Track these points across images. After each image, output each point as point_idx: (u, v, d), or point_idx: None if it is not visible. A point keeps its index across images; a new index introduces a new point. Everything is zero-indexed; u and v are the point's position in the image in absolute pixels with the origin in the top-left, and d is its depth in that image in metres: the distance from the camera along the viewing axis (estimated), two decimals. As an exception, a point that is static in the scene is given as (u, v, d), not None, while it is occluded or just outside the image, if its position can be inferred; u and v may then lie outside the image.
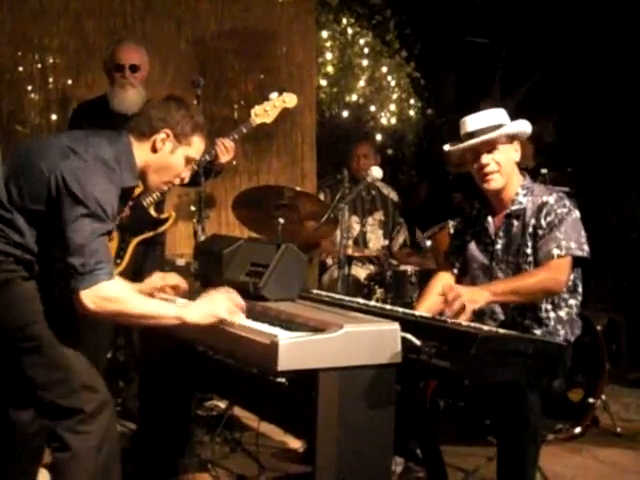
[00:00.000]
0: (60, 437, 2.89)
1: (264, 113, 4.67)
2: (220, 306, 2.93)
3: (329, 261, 6.03)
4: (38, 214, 2.89)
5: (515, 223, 3.60)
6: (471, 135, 3.58)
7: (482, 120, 3.59)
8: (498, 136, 3.54)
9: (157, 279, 3.43)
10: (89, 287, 2.78)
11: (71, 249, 2.79)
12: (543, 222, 3.50)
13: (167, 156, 3.07)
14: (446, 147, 3.74)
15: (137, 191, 3.42)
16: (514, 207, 3.60)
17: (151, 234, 4.66)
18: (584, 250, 3.49)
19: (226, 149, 4.54)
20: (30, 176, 2.90)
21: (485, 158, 3.56)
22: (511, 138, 3.60)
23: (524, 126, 3.64)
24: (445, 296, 3.25)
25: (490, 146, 3.56)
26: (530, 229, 3.54)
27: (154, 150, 3.06)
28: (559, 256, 3.43)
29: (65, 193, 2.83)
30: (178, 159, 3.10)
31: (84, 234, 2.79)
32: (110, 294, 2.81)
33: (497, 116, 3.62)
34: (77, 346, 2.99)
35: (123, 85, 4.74)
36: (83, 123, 4.63)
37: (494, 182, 3.59)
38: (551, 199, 3.53)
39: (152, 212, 4.62)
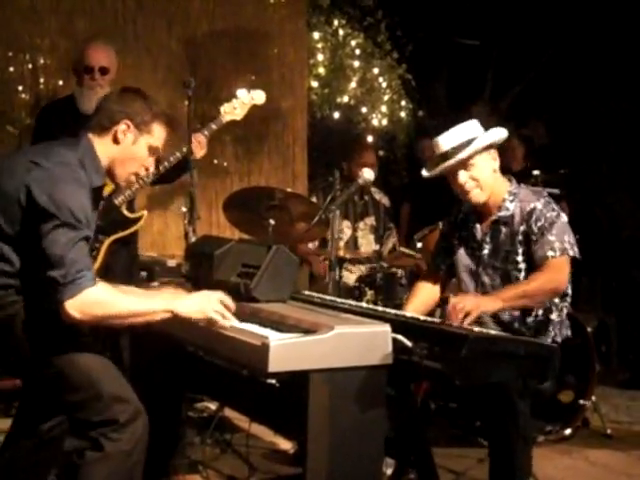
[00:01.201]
0: (94, 438, 2.87)
1: (233, 110, 4.67)
2: (210, 305, 2.93)
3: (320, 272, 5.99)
4: (19, 238, 2.88)
5: (503, 229, 3.61)
6: (444, 156, 3.61)
7: (453, 138, 3.60)
8: (469, 155, 3.55)
9: None
10: (73, 297, 2.75)
11: (50, 262, 2.76)
12: (534, 227, 3.51)
13: (130, 147, 3.09)
14: (424, 173, 3.74)
15: (107, 189, 3.40)
16: (501, 213, 3.61)
17: (124, 233, 4.63)
18: (575, 251, 3.53)
19: (199, 143, 4.55)
20: (3, 200, 2.88)
21: (462, 176, 3.58)
22: (486, 148, 3.60)
23: (496, 135, 3.64)
24: (453, 306, 3.26)
25: (464, 164, 3.57)
26: (520, 236, 3.56)
27: (116, 142, 3.07)
28: (554, 257, 3.46)
29: (35, 207, 2.81)
30: (141, 149, 3.11)
31: (60, 245, 2.77)
32: (96, 299, 2.79)
33: (468, 131, 3.62)
34: (98, 359, 2.99)
35: (92, 87, 4.71)
36: (50, 123, 4.63)
37: (475, 197, 3.62)
38: (539, 204, 3.55)
39: (124, 211, 4.59)
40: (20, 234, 2.87)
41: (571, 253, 3.50)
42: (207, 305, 2.93)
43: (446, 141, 3.61)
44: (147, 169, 3.19)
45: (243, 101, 4.70)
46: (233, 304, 3.00)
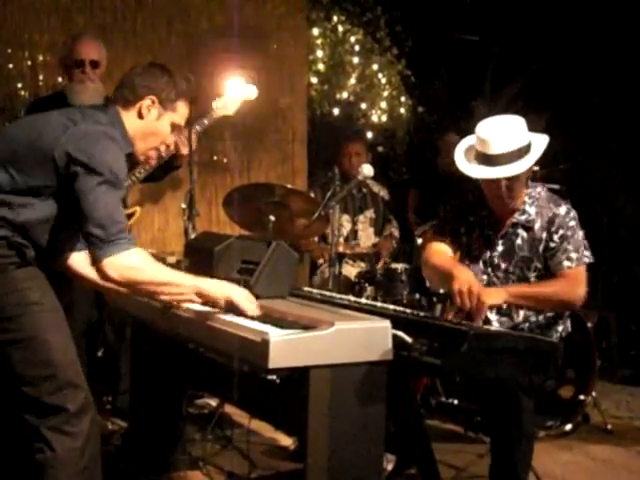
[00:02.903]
0: (44, 437, 2.86)
1: (225, 106, 4.67)
2: (238, 291, 2.96)
3: (320, 260, 6.02)
4: (39, 190, 2.88)
5: (521, 234, 3.56)
6: (490, 159, 3.39)
7: (505, 142, 3.37)
8: (523, 172, 3.40)
9: None
10: (113, 256, 2.79)
11: (91, 219, 2.79)
12: (555, 236, 3.49)
13: (153, 122, 3.11)
14: (469, 173, 3.46)
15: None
16: (522, 217, 3.55)
17: None
18: (590, 257, 3.51)
19: (182, 141, 4.53)
20: (30, 159, 2.89)
21: (503, 186, 3.43)
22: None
23: (544, 144, 3.48)
24: (462, 294, 3.23)
25: (512, 177, 3.41)
26: (542, 244, 3.51)
27: (140, 117, 3.09)
28: (569, 268, 3.45)
29: (76, 166, 2.82)
30: (164, 125, 3.14)
31: (102, 204, 2.81)
32: (133, 263, 2.83)
33: (519, 136, 3.40)
34: (67, 341, 2.98)
35: (82, 80, 4.69)
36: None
37: (505, 205, 3.52)
38: (561, 211, 3.51)
39: None
40: (47, 190, 2.89)
41: (586, 261, 3.49)
42: (233, 291, 2.95)
43: (498, 142, 3.37)
44: (167, 146, 3.24)
45: (234, 96, 4.69)
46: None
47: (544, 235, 3.51)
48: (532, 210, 3.55)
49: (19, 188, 2.89)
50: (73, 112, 3.01)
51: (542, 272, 3.53)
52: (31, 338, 2.89)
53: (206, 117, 4.66)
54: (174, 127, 3.17)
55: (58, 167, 2.86)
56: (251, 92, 4.72)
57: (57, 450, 2.86)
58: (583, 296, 3.48)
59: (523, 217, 3.55)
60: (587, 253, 3.50)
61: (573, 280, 3.45)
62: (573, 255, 3.46)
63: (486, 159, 3.40)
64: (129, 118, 3.08)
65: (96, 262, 2.82)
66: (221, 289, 2.95)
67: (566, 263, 3.45)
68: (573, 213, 3.53)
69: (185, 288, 2.92)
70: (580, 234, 3.51)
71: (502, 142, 3.37)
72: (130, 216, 4.68)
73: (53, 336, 2.93)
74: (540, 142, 3.48)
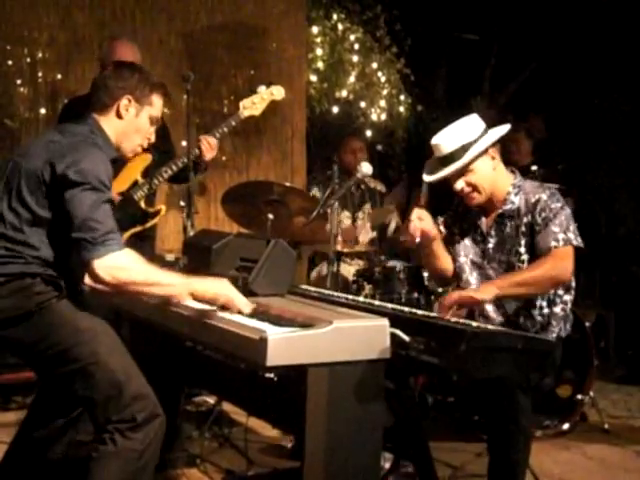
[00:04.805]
0: (109, 432, 2.88)
1: (252, 106, 4.69)
2: (230, 288, 2.97)
3: (317, 258, 6.03)
4: (47, 219, 2.94)
5: (508, 223, 3.60)
6: (442, 161, 3.58)
7: (451, 141, 3.54)
8: (464, 164, 3.52)
9: None
10: (102, 257, 2.81)
11: (77, 224, 2.82)
12: (538, 218, 3.50)
13: (134, 120, 3.18)
14: (425, 177, 3.71)
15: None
16: (507, 207, 3.60)
17: (143, 227, 4.66)
18: (579, 241, 3.50)
19: (210, 146, 4.57)
20: (28, 184, 2.95)
21: (458, 184, 3.58)
22: (483, 152, 3.56)
23: (493, 136, 3.59)
24: (450, 302, 3.29)
25: (461, 172, 3.55)
26: (523, 227, 3.54)
27: (119, 117, 3.15)
28: (556, 248, 3.45)
29: (57, 177, 2.87)
30: (143, 121, 3.21)
31: (86, 206, 2.83)
32: (123, 263, 2.84)
33: (465, 132, 3.55)
34: (124, 356, 3.00)
35: None
36: (74, 118, 4.64)
37: (474, 201, 3.61)
38: (544, 195, 3.53)
39: (143, 205, 4.62)
40: (48, 213, 2.93)
41: (575, 243, 3.48)
42: (226, 288, 2.96)
43: (444, 144, 3.55)
44: (149, 139, 3.28)
45: (262, 96, 4.71)
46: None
47: (526, 219, 3.54)
48: (516, 199, 3.59)
49: (29, 222, 2.94)
50: (52, 132, 3.11)
51: (525, 256, 3.54)
52: (91, 364, 2.90)
53: (232, 117, 4.68)
54: (152, 120, 3.24)
55: (48, 188, 2.91)
56: (278, 92, 4.75)
57: (119, 446, 2.87)
58: (571, 272, 3.48)
59: (508, 207, 3.60)
60: (572, 236, 3.48)
61: (560, 258, 3.44)
62: (560, 236, 3.45)
63: (440, 163, 3.60)
64: (109, 121, 3.15)
65: (86, 264, 2.83)
66: (213, 288, 2.96)
67: (553, 243, 3.45)
68: (558, 197, 3.55)
69: (176, 288, 2.93)
70: (565, 216, 3.50)
71: (447, 142, 3.55)
72: (155, 214, 4.70)
73: (111, 357, 2.94)
74: (491, 135, 3.57)
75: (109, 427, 2.88)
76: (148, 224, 4.69)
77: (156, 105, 3.23)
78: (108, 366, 2.91)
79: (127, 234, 4.57)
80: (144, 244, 4.75)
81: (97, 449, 2.89)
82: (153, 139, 3.31)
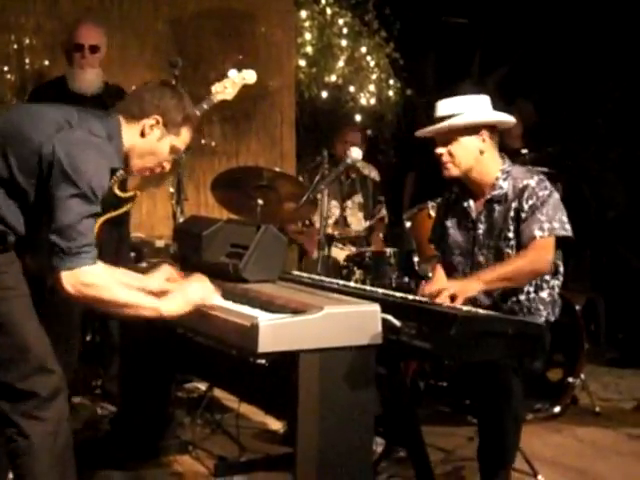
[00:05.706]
0: (15, 424, 2.84)
1: (224, 90, 4.63)
2: (196, 294, 2.94)
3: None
4: (22, 187, 2.83)
5: (497, 208, 3.60)
6: (436, 122, 3.63)
7: (450, 106, 3.61)
8: (440, 129, 3.58)
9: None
10: (71, 269, 2.75)
11: (57, 227, 2.75)
12: (525, 205, 3.50)
13: (154, 142, 3.04)
14: (416, 133, 3.77)
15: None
16: (495, 192, 3.60)
17: (116, 213, 4.61)
18: (567, 230, 3.51)
19: None
20: (19, 147, 2.83)
21: (440, 149, 3.62)
22: (473, 129, 3.58)
23: (491, 116, 3.64)
24: (439, 290, 3.27)
25: (445, 137, 3.60)
26: (512, 213, 3.54)
27: (142, 135, 3.02)
28: (542, 237, 3.45)
29: (57, 169, 2.78)
30: (164, 147, 3.06)
31: (72, 215, 2.76)
32: (90, 280, 2.77)
33: (466, 104, 3.61)
34: (39, 326, 2.95)
35: (82, 66, 4.71)
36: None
37: (447, 171, 3.64)
38: (532, 182, 3.53)
39: (116, 191, 4.57)
40: (30, 186, 2.84)
41: (561, 233, 3.48)
42: (191, 296, 2.93)
43: (442, 106, 3.63)
44: (163, 168, 3.16)
45: (234, 80, 4.66)
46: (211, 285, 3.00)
47: (514, 205, 3.54)
48: (505, 184, 3.60)
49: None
50: (71, 112, 2.93)
51: (514, 241, 3.55)
52: (7, 322, 2.86)
53: (205, 102, 4.63)
54: (173, 150, 3.11)
55: (42, 163, 2.80)
56: (250, 76, 4.70)
57: (30, 436, 2.83)
58: (550, 262, 3.51)
59: (497, 192, 3.60)
60: (558, 225, 3.48)
61: (540, 249, 3.46)
62: (545, 225, 3.46)
63: (434, 123, 3.67)
64: (129, 132, 3.01)
65: (54, 271, 2.76)
66: (182, 303, 2.91)
67: (538, 232, 3.45)
68: (546, 183, 3.55)
69: (145, 311, 2.87)
70: (554, 205, 3.50)
71: (445, 106, 3.63)
72: (129, 200, 4.66)
73: (28, 321, 2.91)
74: (478, 114, 3.61)
75: (13, 416, 2.84)
76: (120, 210, 4.64)
77: (182, 137, 3.09)
78: (23, 328, 2.87)
79: (101, 220, 4.54)
80: (116, 230, 4.73)
81: (14, 451, 2.85)
82: (167, 169, 3.19)
